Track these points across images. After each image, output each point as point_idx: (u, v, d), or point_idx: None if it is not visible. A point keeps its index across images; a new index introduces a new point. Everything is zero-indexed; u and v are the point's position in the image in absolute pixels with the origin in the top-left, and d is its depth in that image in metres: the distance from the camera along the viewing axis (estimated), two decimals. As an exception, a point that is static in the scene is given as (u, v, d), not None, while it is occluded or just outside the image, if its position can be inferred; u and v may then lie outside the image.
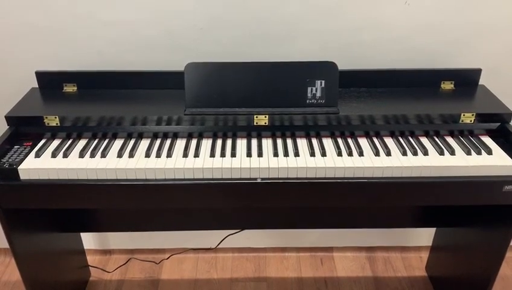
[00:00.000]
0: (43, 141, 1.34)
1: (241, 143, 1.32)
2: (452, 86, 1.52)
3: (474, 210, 1.52)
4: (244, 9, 1.46)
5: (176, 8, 1.46)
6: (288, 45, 1.53)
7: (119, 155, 1.26)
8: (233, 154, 1.26)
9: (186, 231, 1.93)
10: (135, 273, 1.96)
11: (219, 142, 1.33)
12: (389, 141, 1.33)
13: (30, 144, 1.31)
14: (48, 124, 1.34)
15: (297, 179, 1.21)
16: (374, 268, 1.99)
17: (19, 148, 1.29)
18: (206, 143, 1.32)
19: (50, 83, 1.49)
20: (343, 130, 1.36)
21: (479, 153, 1.27)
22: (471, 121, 1.36)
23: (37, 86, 1.50)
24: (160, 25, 1.49)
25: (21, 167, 1.21)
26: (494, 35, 1.51)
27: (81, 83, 1.49)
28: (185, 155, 1.26)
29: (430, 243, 1.92)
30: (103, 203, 1.34)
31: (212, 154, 1.26)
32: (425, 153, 1.27)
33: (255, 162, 1.23)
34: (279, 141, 1.33)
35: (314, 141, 1.33)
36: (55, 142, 1.33)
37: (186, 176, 1.22)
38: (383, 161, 1.23)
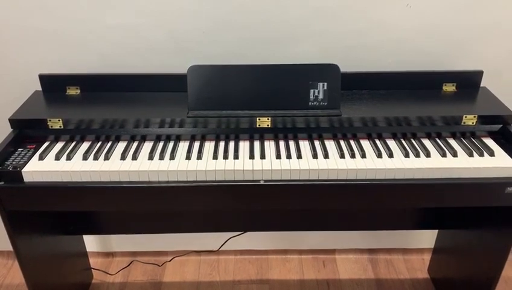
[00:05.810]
0: (46, 144, 1.34)
1: (244, 145, 1.33)
2: (454, 88, 1.52)
3: (477, 212, 1.52)
4: (247, 12, 1.47)
5: (179, 11, 1.46)
6: (290, 47, 1.53)
7: (123, 157, 1.27)
8: (236, 157, 1.27)
9: (188, 233, 1.92)
10: (138, 276, 1.96)
11: (222, 144, 1.33)
12: (391, 143, 1.33)
13: (34, 146, 1.32)
14: (52, 126, 1.35)
15: (299, 181, 1.22)
16: (376, 270, 1.98)
17: (22, 150, 1.30)
18: (209, 145, 1.33)
19: (53, 85, 1.50)
20: (346, 132, 1.37)
21: (481, 154, 1.27)
22: (473, 123, 1.36)
23: (41, 89, 1.51)
24: (163, 28, 1.49)
25: (25, 169, 1.21)
26: (495, 37, 1.52)
27: (84, 86, 1.50)
28: (188, 157, 1.27)
29: (432, 245, 1.92)
30: (106, 206, 1.34)
31: (215, 157, 1.27)
32: (428, 154, 1.27)
33: (257, 164, 1.23)
34: (282, 143, 1.33)
35: (317, 143, 1.33)
36: (59, 145, 1.34)
37: (189, 178, 1.22)
38: (385, 163, 1.24)
